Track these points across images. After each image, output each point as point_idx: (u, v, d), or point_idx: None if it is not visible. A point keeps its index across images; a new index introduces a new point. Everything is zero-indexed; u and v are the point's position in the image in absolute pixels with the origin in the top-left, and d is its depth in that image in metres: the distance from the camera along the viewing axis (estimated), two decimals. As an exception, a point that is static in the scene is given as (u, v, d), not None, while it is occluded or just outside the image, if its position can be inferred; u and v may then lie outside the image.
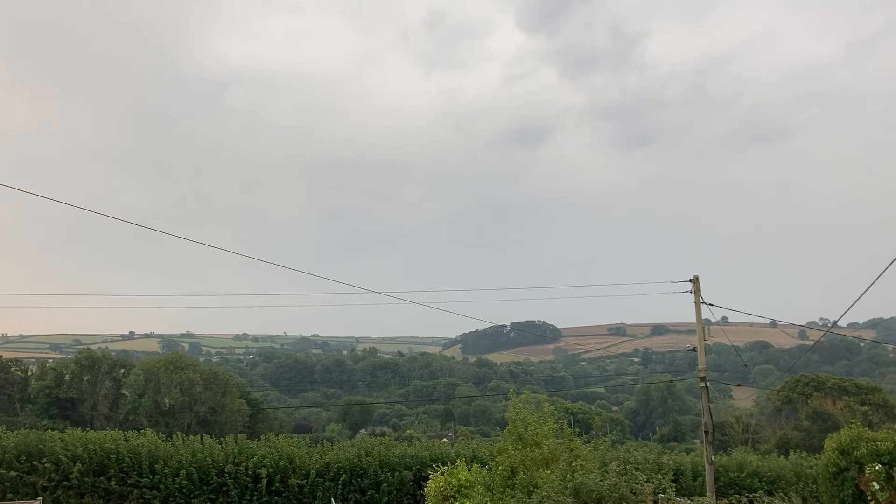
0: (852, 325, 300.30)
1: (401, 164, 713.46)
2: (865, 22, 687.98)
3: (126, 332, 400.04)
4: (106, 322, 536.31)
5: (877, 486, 20.88)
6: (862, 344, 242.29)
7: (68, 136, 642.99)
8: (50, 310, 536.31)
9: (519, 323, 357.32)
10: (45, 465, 23.38)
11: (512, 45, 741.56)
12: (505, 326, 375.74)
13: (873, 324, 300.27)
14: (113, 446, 24.25)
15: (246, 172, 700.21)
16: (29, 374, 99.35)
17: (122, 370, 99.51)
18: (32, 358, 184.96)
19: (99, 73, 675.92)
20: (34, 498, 22.63)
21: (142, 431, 26.52)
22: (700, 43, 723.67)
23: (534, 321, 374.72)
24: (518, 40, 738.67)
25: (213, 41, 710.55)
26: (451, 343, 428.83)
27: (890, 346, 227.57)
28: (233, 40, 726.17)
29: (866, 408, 68.85)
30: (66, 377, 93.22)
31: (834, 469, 23.14)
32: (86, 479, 23.46)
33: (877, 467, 21.30)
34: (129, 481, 23.79)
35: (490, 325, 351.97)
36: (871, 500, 21.15)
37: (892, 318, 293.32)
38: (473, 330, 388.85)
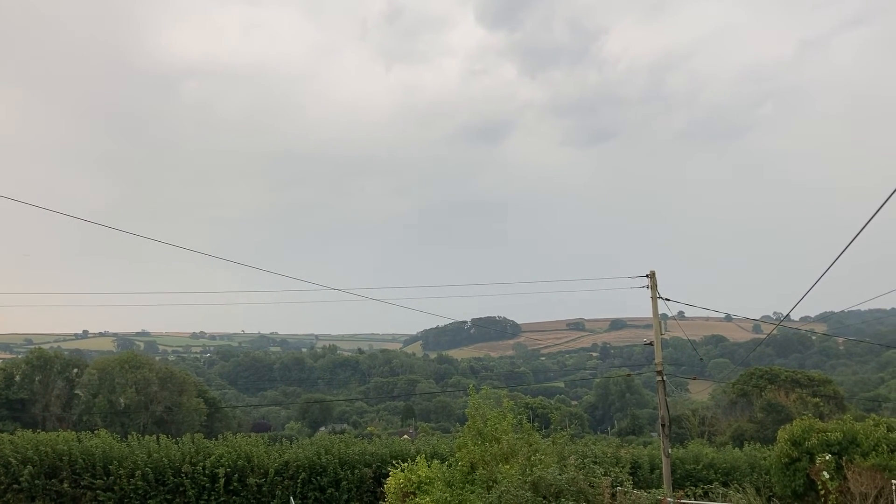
0: (804, 319, 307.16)
1: (361, 160, 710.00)
2: (817, 20, 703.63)
3: (79, 331, 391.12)
4: (58, 321, 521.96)
5: (827, 476, 21.41)
6: (814, 337, 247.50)
7: (17, 132, 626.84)
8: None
9: (479, 319, 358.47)
10: (-6, 468, 22.85)
11: (472, 41, 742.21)
12: (465, 322, 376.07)
13: (825, 317, 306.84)
14: (65, 447, 23.76)
15: (201, 167, 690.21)
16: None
17: (76, 370, 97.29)
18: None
19: (49, 67, 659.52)
20: (-18, 502, 22.11)
21: (96, 432, 26.05)
22: (658, 39, 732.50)
23: (494, 317, 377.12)
24: (478, 35, 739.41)
25: (167, 34, 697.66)
26: (411, 340, 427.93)
27: (840, 340, 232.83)
28: (187, 33, 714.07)
29: (818, 399, 70.40)
30: (17, 378, 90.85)
31: (786, 460, 23.66)
32: (37, 481, 22.96)
33: (827, 457, 21.85)
34: (82, 483, 23.34)
35: (450, 321, 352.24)
36: (821, 490, 21.67)
37: (842, 311, 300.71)
38: (434, 326, 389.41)
